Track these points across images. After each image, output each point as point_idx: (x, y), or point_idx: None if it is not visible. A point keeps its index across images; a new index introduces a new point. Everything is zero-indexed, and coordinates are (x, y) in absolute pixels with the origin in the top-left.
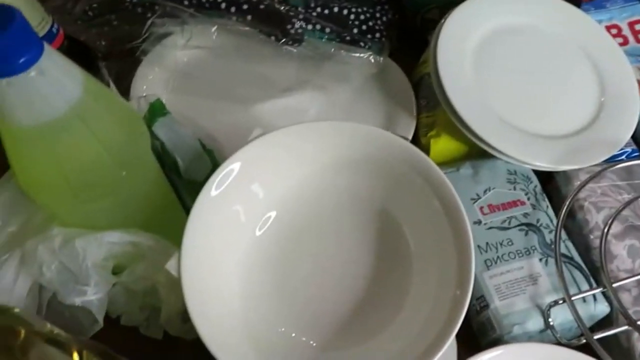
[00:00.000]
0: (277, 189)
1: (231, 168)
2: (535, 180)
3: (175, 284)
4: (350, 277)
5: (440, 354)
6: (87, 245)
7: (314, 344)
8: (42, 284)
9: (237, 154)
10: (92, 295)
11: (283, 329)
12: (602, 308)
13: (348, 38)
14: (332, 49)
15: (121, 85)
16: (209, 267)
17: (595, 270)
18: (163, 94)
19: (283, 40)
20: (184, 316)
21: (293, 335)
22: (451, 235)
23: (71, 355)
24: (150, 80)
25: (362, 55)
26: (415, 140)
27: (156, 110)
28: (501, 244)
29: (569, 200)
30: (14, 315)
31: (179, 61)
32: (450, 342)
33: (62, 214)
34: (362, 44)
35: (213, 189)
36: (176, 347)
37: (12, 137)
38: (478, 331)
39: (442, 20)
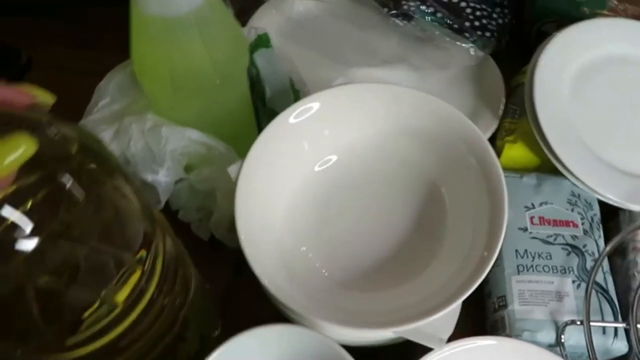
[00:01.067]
0: (343, 137)
1: (311, 105)
2: (596, 209)
3: (231, 193)
4: (388, 231)
5: (454, 305)
6: (170, 134)
7: (342, 285)
8: (127, 156)
9: (320, 94)
10: (162, 177)
11: (317, 265)
12: (619, 346)
13: (456, 26)
14: (437, 33)
15: (239, 21)
16: (263, 182)
17: (626, 310)
18: (273, 34)
19: (394, 12)
20: (231, 225)
21: (325, 273)
22: (487, 207)
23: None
24: (266, 21)
25: (464, 45)
26: (491, 141)
27: (262, 41)
28: (539, 255)
29: (622, 234)
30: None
31: (296, 9)
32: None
33: (160, 104)
34: (467, 34)
35: (292, 117)
36: (219, 251)
37: (139, 22)
38: (490, 328)
39: (552, 35)
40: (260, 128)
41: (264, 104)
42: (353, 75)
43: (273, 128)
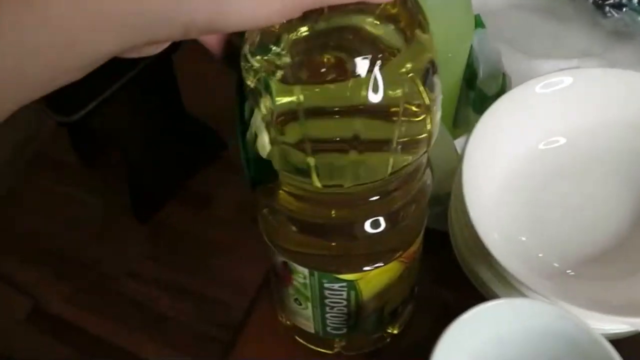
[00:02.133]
0: (575, 121)
1: (562, 79)
2: None
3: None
4: (610, 221)
5: None
6: None
7: (561, 267)
8: None
9: (574, 71)
10: None
11: (536, 251)
12: None
13: None
14: None
15: None
16: (489, 153)
17: None
18: None
19: (604, 1)
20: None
21: (540, 255)
22: None
23: None
24: None
25: None
26: None
27: (477, 22)
28: None
29: None
30: None
31: None
32: None
33: None
34: None
35: (539, 86)
36: None
37: None
38: None
39: None
40: (458, 111)
41: (472, 85)
42: (538, 67)
43: (516, 94)
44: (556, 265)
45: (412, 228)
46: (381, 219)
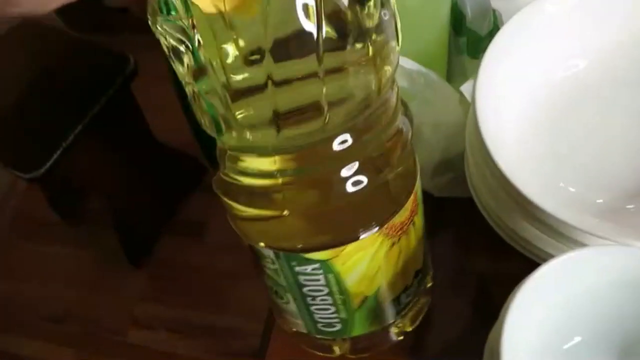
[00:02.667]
0: (595, 40)
1: None
2: None
3: (441, 129)
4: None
5: None
6: None
7: (596, 199)
8: None
9: None
10: None
11: (561, 184)
12: None
13: None
14: None
15: None
16: (502, 91)
17: None
18: None
19: None
20: (437, 169)
21: (572, 189)
22: None
23: None
24: None
25: None
26: None
27: None
28: None
29: None
30: None
31: None
32: None
33: None
34: None
35: (548, 4)
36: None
37: None
38: None
39: None
40: (451, 63)
41: (460, 30)
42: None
43: (523, 18)
44: (600, 201)
45: (390, 191)
46: (342, 174)
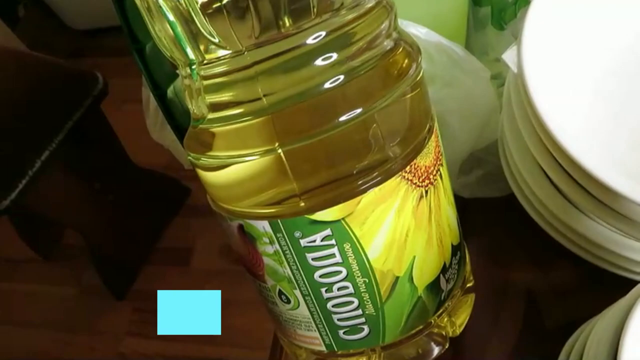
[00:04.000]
0: None
1: None
2: None
3: (474, 119)
4: None
5: None
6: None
7: None
8: None
9: None
10: None
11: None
12: None
13: None
14: None
15: None
16: (552, 60)
17: None
18: None
19: None
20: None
21: None
22: None
23: None
24: None
25: None
26: None
27: None
28: None
29: None
30: None
31: None
32: None
33: None
34: None
35: None
36: None
37: None
38: None
39: None
40: (471, 39)
41: (479, 0)
42: None
43: None
44: None
45: (405, 117)
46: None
